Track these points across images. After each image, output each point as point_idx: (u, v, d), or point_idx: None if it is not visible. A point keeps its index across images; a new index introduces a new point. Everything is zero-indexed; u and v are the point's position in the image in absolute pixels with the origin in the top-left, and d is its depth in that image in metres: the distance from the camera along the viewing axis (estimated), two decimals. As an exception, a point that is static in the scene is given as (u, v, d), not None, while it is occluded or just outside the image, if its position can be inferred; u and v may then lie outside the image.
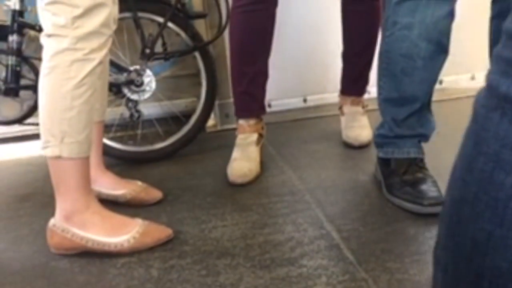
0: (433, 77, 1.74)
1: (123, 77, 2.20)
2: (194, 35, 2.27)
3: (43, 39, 1.49)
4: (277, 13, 2.08)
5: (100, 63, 1.51)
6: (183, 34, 2.27)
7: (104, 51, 1.53)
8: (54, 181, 1.54)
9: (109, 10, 1.50)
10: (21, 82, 2.13)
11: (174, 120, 2.49)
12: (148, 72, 2.22)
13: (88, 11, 1.45)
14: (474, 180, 0.67)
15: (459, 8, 1.67)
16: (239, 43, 2.10)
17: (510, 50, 0.64)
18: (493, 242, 0.64)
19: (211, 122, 2.70)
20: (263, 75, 2.15)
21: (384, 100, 1.80)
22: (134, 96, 2.23)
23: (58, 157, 1.50)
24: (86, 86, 1.49)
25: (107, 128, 2.10)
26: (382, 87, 1.80)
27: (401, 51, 1.70)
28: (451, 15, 1.65)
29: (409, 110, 1.75)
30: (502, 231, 0.63)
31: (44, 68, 1.49)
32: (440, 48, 1.68)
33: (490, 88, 0.66)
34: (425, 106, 1.77)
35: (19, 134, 2.55)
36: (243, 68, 2.12)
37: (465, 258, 0.69)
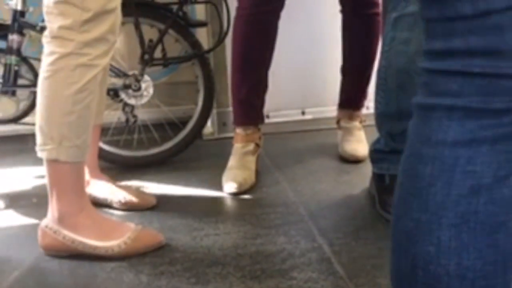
0: None
1: (120, 81, 2.20)
2: (194, 43, 2.28)
3: (45, 39, 1.47)
4: (279, 26, 2.09)
5: (103, 69, 1.51)
6: (183, 41, 2.27)
7: (108, 57, 1.52)
8: (49, 182, 1.54)
9: (116, 17, 1.50)
10: (18, 82, 2.12)
11: (171, 126, 2.49)
12: (146, 77, 2.22)
13: (97, 16, 1.44)
14: (404, 178, 0.77)
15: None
16: (240, 52, 2.10)
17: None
18: (421, 228, 0.72)
19: (208, 130, 2.70)
20: (263, 85, 2.15)
21: (381, 114, 1.81)
22: (131, 101, 2.23)
23: (55, 160, 1.50)
24: (88, 92, 1.48)
25: (103, 132, 2.09)
26: (379, 101, 1.80)
27: (399, 66, 1.70)
28: None
29: (405, 125, 1.73)
30: (427, 216, 0.71)
31: (45, 70, 1.47)
32: None
33: None
34: (422, 122, 1.77)
35: (14, 133, 2.55)
36: (244, 77, 2.12)
37: (402, 251, 0.76)
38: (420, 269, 0.73)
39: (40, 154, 1.50)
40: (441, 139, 0.71)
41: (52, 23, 1.45)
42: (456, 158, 0.69)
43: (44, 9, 1.47)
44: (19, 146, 2.54)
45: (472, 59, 0.68)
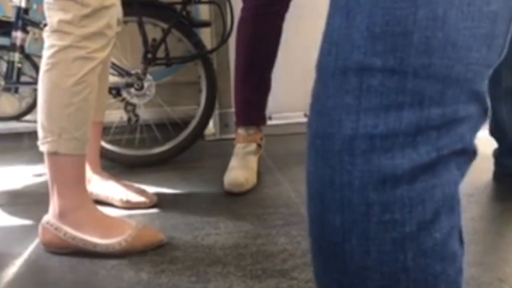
0: None
1: (123, 80, 2.20)
2: (197, 43, 2.28)
3: (46, 34, 1.50)
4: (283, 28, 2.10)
5: (101, 63, 1.53)
6: (186, 41, 2.27)
7: (106, 51, 1.54)
8: (50, 177, 1.54)
9: (114, 12, 1.52)
10: (21, 79, 2.12)
11: (173, 126, 2.49)
12: (149, 76, 2.22)
13: (95, 12, 1.47)
14: (313, 227, 0.61)
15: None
16: (244, 52, 2.10)
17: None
18: None
19: (210, 130, 2.70)
20: (266, 85, 2.15)
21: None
22: (133, 100, 2.23)
23: (55, 153, 1.50)
24: (86, 84, 1.50)
25: (105, 131, 2.09)
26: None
27: None
28: None
29: None
30: (348, 278, 0.58)
31: (45, 63, 1.50)
32: None
33: None
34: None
35: (9, 131, 2.55)
36: (246, 77, 2.12)
37: None
38: None
39: (41, 148, 1.51)
40: (346, 180, 0.56)
41: (52, 18, 1.49)
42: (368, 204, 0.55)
43: (45, 6, 1.50)
44: (14, 144, 2.53)
45: None
